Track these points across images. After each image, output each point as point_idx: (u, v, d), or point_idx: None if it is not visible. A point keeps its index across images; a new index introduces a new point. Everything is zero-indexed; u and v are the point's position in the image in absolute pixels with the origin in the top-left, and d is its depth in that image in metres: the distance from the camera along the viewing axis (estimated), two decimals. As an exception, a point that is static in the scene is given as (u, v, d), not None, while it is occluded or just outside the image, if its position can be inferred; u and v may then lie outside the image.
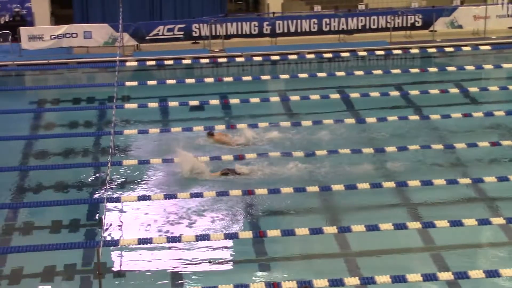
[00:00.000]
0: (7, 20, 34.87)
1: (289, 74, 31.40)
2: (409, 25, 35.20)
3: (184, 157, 23.14)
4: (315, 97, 27.73)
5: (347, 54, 32.64)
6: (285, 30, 34.79)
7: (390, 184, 21.76)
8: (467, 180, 22.13)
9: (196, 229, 20.20)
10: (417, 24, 35.30)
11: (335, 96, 28.26)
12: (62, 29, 33.39)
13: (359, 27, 35.09)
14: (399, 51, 33.44)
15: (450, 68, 30.20)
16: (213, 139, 25.02)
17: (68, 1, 36.26)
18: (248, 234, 19.76)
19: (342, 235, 19.67)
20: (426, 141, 24.65)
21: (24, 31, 33.21)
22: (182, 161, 23.01)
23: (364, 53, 32.75)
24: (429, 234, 19.69)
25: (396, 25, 35.10)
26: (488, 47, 32.83)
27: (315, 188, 21.45)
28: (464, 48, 32.67)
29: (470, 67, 30.03)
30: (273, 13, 35.84)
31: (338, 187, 21.47)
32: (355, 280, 17.50)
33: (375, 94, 27.71)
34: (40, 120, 27.66)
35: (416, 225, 19.61)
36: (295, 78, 30.46)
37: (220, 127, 25.71)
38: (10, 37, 33.50)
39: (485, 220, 19.79)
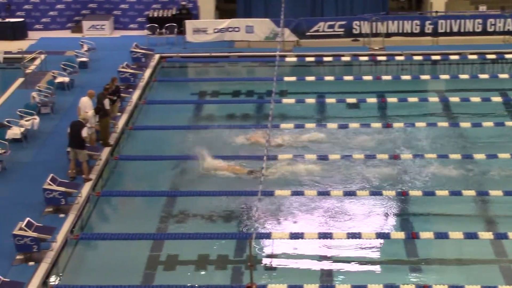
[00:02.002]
0: (173, 13, 35.96)
1: (449, 75, 30.83)
2: None
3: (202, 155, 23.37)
4: (475, 99, 27.23)
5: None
6: (448, 30, 34.07)
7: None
8: None
9: (347, 226, 20.30)
10: None
11: (497, 99, 27.61)
12: (226, 23, 34.07)
13: (527, 28, 34.21)
14: None
15: None
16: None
17: (232, -4, 37.15)
18: (400, 235, 19.68)
19: (499, 241, 19.31)
20: None
21: (189, 24, 34.10)
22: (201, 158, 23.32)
23: (531, 56, 31.92)
24: None
25: None
26: None
27: (471, 192, 21.21)
28: None
29: None
30: (436, 12, 35.21)
31: (496, 193, 21.13)
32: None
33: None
34: (200, 112, 28.55)
35: None
36: (455, 78, 30.01)
37: (376, 125, 25.76)
38: (176, 29, 34.57)
39: None
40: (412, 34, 33.80)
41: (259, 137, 24.49)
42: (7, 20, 35.27)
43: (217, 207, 21.30)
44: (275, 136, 24.65)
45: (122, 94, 26.53)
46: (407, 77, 30.13)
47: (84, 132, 21.77)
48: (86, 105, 23.75)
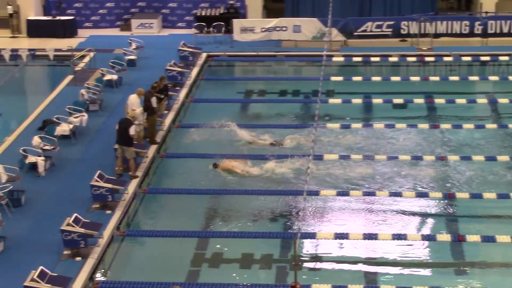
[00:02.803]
0: (221, 12, 36.11)
1: (498, 76, 30.56)
2: None
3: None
4: (525, 101, 27.03)
5: (562, 57, 31.48)
6: (497, 31, 33.76)
7: None
8: None
9: (392, 228, 20.19)
10: None
11: (549, 100, 27.44)
12: (273, 22, 34.09)
13: None
14: None
15: None
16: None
17: (280, -5, 37.17)
18: (446, 237, 19.52)
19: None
20: None
21: (237, 23, 34.17)
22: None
23: None
24: None
25: None
26: None
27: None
28: None
29: None
30: (486, 12, 34.88)
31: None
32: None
33: None
34: (246, 110, 28.63)
35: None
36: (505, 80, 29.70)
37: (423, 126, 25.60)
38: (223, 28, 34.70)
39: None
40: (461, 35, 33.50)
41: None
42: (57, 18, 35.75)
43: (262, 206, 21.32)
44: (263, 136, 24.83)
45: (169, 93, 26.79)
46: (455, 78, 29.97)
47: (132, 130, 21.96)
48: (134, 102, 23.95)
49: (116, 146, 22.27)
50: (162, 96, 25.34)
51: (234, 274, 18.35)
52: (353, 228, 20.08)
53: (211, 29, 34.32)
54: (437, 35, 33.44)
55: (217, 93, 29.55)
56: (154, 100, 23.97)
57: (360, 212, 20.97)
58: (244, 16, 35.97)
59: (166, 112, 26.22)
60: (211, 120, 25.98)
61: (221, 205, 21.61)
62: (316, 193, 21.42)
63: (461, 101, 27.25)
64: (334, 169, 22.93)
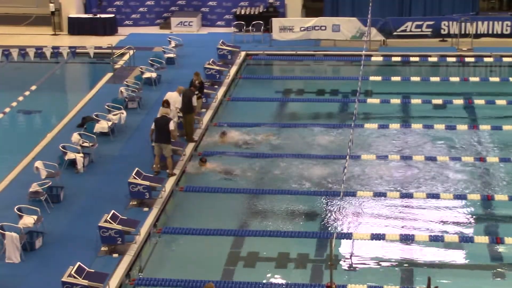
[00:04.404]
0: (260, 11, 36.11)
1: (539, 77, 30.32)
2: None
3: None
4: None
5: None
6: (540, 31, 33.51)
7: None
8: None
9: (429, 229, 20.08)
10: None
11: None
12: (312, 21, 34.03)
13: None
14: None
15: None
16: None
17: (319, -5, 37.12)
18: (484, 239, 19.40)
19: None
20: None
21: (276, 22, 34.17)
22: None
23: None
24: None
25: None
26: None
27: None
28: None
29: None
30: (528, 12, 34.59)
31: None
32: None
33: None
34: (285, 110, 28.62)
35: None
36: (546, 81, 29.42)
37: (462, 127, 25.43)
38: (262, 27, 34.72)
39: None
40: (502, 35, 33.19)
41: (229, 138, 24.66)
42: (98, 16, 36.07)
43: (299, 205, 21.32)
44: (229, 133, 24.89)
45: (206, 91, 26.90)
46: (496, 79, 29.70)
47: (172, 125, 22.10)
48: (176, 100, 24.05)
49: (154, 144, 22.44)
50: (199, 94, 25.51)
51: (269, 274, 18.36)
52: (389, 229, 20.06)
53: (250, 28, 34.41)
54: (477, 36, 33.11)
55: (255, 91, 29.56)
56: (194, 99, 24.13)
57: (397, 213, 20.91)
58: (283, 15, 35.94)
59: (203, 110, 26.38)
60: (249, 118, 26.21)
61: (257, 204, 21.60)
62: (353, 194, 21.43)
63: (501, 102, 27.04)
64: (371, 169, 22.96)
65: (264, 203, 21.74)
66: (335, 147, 24.43)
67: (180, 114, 24.45)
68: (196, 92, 24.95)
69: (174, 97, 24.17)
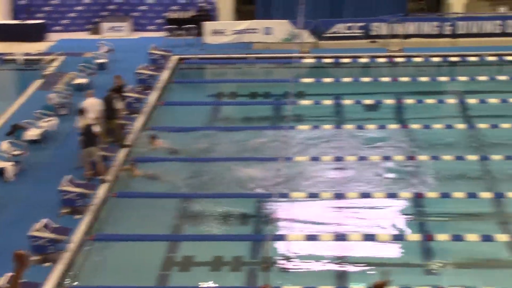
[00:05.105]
0: (192, 15, 36.03)
1: (468, 76, 30.66)
2: None
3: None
4: (494, 100, 27.16)
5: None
6: (467, 31, 34.08)
7: None
8: None
9: (362, 228, 20.20)
10: None
11: (516, 100, 27.62)
12: (244, 24, 34.09)
13: (546, 30, 33.89)
14: None
15: None
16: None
17: (251, -1, 37.21)
18: (416, 237, 19.63)
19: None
20: None
21: (208, 25, 34.17)
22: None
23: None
24: None
25: None
26: None
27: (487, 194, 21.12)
28: None
29: None
30: (455, 13, 35.13)
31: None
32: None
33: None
34: (218, 113, 28.55)
35: None
36: (474, 80, 29.85)
37: (392, 127, 25.73)
38: (194, 31, 34.62)
39: None
40: (430, 36, 33.75)
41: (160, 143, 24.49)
42: (27, 22, 35.60)
43: (233, 208, 21.30)
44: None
45: (139, 95, 26.71)
46: (425, 79, 30.15)
47: (96, 128, 21.95)
48: (94, 105, 23.69)
49: (83, 150, 22.10)
50: (119, 96, 24.89)
51: (204, 278, 18.28)
52: (323, 229, 20.16)
53: (182, 32, 34.40)
54: (407, 36, 33.65)
55: (188, 96, 29.55)
56: (115, 102, 23.89)
57: (331, 214, 21.05)
58: (215, 18, 35.96)
59: (135, 115, 26.13)
60: (182, 123, 26.11)
61: (191, 209, 21.56)
62: (286, 196, 21.46)
63: (430, 101, 27.46)
64: (304, 171, 23.06)
65: (198, 207, 21.69)
66: (268, 149, 24.57)
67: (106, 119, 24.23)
68: (116, 95, 24.59)
69: (93, 103, 23.83)
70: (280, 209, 21.27)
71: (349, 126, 25.64)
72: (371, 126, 25.50)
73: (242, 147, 24.79)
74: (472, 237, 18.97)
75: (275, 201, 20.91)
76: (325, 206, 21.47)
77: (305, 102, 28.10)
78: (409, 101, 27.69)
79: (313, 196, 21.58)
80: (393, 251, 19.30)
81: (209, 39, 33.89)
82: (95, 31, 36.58)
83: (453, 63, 32.31)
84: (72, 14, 36.93)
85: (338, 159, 23.48)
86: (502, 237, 19.20)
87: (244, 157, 23.92)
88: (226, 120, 27.65)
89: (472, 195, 20.97)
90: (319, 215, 21.01)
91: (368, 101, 27.68)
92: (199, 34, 34.32)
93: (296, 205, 21.52)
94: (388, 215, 20.90)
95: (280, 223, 20.68)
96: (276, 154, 23.23)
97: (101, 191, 21.49)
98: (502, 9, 35.60)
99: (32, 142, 24.27)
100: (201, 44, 33.89)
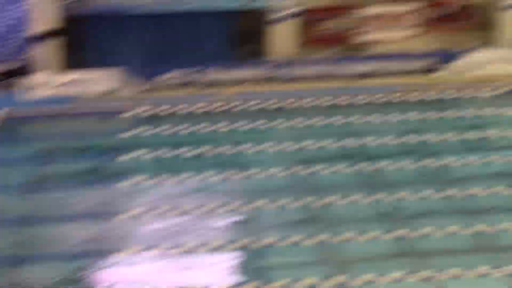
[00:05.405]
0: (12, 67, 34.79)
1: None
2: None
3: None
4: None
5: None
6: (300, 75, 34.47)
7: None
8: None
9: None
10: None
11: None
12: (69, 76, 33.19)
13: None
14: None
15: None
16: None
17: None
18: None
19: None
20: None
21: (29, 78, 32.82)
22: None
23: None
24: None
25: None
26: None
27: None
28: None
29: None
30: (287, 57, 35.50)
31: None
32: None
33: None
34: (40, 171, 27.71)
35: None
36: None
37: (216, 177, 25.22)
38: (14, 85, 33.69)
39: None
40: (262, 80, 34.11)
41: None
42: None
43: (57, 272, 20.14)
44: None
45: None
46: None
47: None
48: None
49: None
50: None
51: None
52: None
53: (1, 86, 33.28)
54: (239, 82, 33.96)
55: (11, 153, 28.43)
56: None
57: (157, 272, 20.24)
58: (36, 71, 35.18)
59: None
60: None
61: (18, 276, 20.27)
62: (109, 254, 20.62)
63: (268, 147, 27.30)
64: (127, 228, 22.30)
65: (24, 274, 20.50)
66: (87, 208, 23.81)
67: None
68: None
69: None
70: (106, 268, 20.42)
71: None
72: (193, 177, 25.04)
73: (62, 206, 23.99)
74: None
75: (102, 262, 20.01)
76: (152, 263, 20.71)
77: (124, 157, 27.58)
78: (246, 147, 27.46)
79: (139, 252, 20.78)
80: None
81: (31, 93, 32.99)
82: None
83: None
84: None
85: (161, 213, 22.86)
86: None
87: (66, 215, 23.10)
88: (46, 177, 26.77)
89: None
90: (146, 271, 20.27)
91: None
92: (20, 87, 33.42)
93: (122, 263, 20.74)
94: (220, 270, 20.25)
95: (107, 282, 19.82)
96: (96, 213, 22.72)
97: None
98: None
99: None
100: (23, 99, 32.96)
